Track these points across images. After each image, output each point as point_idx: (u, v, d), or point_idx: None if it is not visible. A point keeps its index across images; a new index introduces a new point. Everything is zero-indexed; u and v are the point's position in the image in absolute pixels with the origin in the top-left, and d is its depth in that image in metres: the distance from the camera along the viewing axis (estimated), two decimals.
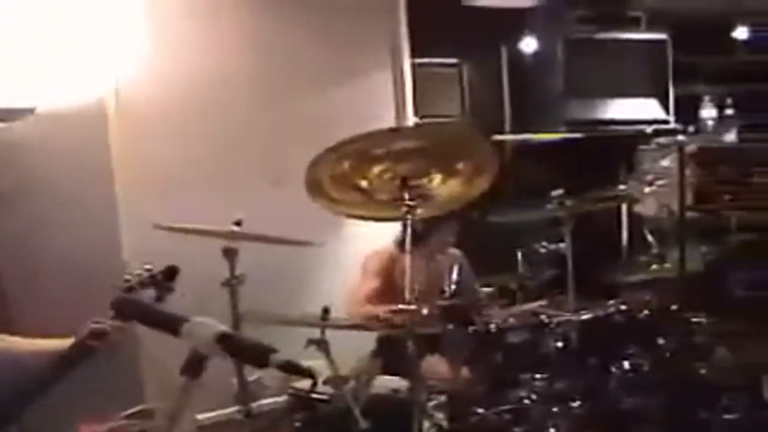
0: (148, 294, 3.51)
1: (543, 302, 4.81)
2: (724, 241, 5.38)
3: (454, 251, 4.93)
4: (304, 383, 4.13)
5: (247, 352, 2.05)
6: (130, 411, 4.68)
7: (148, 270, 3.56)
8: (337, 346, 3.88)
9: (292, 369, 2.05)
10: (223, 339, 2.02)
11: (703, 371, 4.72)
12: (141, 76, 5.03)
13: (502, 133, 6.74)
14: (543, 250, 5.46)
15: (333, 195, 3.75)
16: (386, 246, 4.77)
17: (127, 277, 3.53)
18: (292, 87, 5.52)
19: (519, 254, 5.62)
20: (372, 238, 5.02)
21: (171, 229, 4.11)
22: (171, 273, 3.59)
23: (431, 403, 4.21)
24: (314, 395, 4.04)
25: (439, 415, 4.24)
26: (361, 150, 3.61)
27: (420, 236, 4.63)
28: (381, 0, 5.92)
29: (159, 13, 5.10)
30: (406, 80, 6.01)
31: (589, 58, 6.56)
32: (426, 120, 6.07)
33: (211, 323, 2.06)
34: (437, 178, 3.74)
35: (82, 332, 3.37)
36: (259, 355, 2.02)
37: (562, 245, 4.76)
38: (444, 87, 6.48)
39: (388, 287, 4.71)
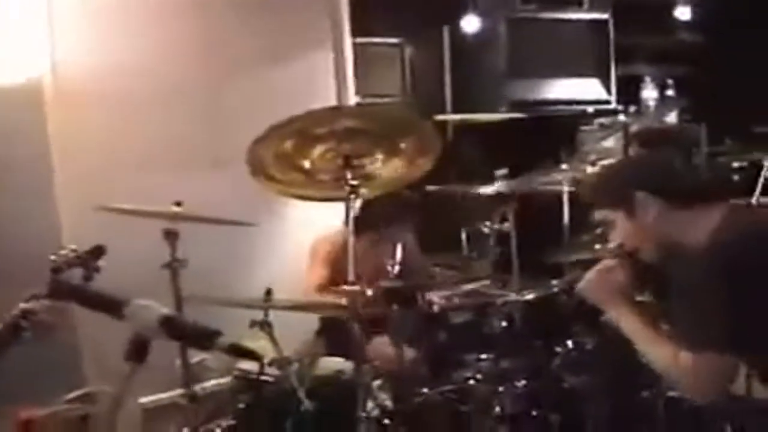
0: (76, 274, 3.45)
1: (487, 282, 4.81)
2: None
3: (402, 231, 4.92)
4: (249, 365, 4.18)
5: (191, 336, 2.02)
6: (71, 395, 4.63)
7: (73, 250, 3.50)
8: (282, 327, 3.86)
9: (238, 351, 2.02)
10: (166, 322, 1.98)
11: None
12: (79, 58, 4.92)
13: (444, 112, 6.73)
14: (487, 230, 5.46)
15: (275, 175, 3.73)
16: (335, 230, 4.73)
17: (53, 257, 3.46)
18: (232, 68, 5.44)
19: (463, 234, 5.61)
20: (317, 219, 4.99)
21: (111, 209, 4.05)
22: (98, 252, 3.53)
23: (376, 384, 4.22)
24: (259, 377, 4.04)
25: (384, 396, 4.22)
26: (303, 129, 3.59)
27: (370, 217, 4.63)
28: None
29: None
30: (348, 60, 5.95)
31: (531, 37, 6.57)
32: (367, 100, 6.04)
33: (154, 306, 2.02)
34: (380, 158, 3.74)
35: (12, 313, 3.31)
36: (204, 338, 1.99)
37: (506, 225, 4.76)
38: (385, 66, 6.46)
39: (340, 274, 4.68)
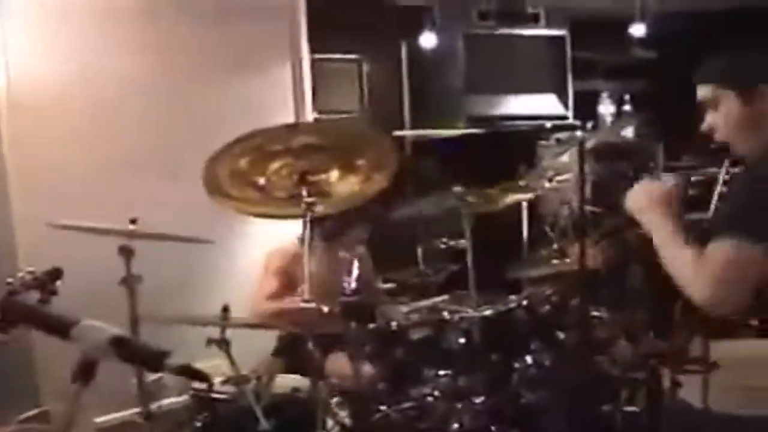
0: (32, 296, 3.42)
1: (445, 297, 4.81)
2: (623, 236, 5.41)
3: (357, 247, 4.91)
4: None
5: (140, 356, 1.99)
6: (26, 414, 4.58)
7: (30, 272, 3.46)
8: (241, 345, 3.84)
9: (188, 372, 1.99)
10: (116, 343, 1.95)
11: (604, 364, 4.75)
12: (34, 71, 4.90)
13: (402, 128, 6.74)
14: (443, 246, 5.46)
15: (231, 192, 3.70)
16: (289, 243, 4.72)
17: (9, 280, 3.44)
18: (190, 83, 5.44)
19: (419, 250, 5.61)
20: (273, 235, 4.97)
21: (66, 227, 4.02)
22: (55, 274, 3.51)
23: (335, 401, 4.20)
24: (216, 395, 4.01)
25: (343, 413, 4.22)
26: (259, 146, 3.56)
27: (328, 233, 4.62)
28: None
29: (55, 8, 4.98)
30: (306, 75, 5.95)
31: (488, 54, 6.60)
32: (326, 115, 6.04)
33: (103, 326, 1.99)
34: (336, 174, 3.72)
35: None
36: (154, 359, 1.96)
37: (462, 241, 4.75)
38: (343, 82, 6.46)
39: (290, 286, 4.66)
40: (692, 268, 2.52)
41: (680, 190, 2.83)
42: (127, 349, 1.96)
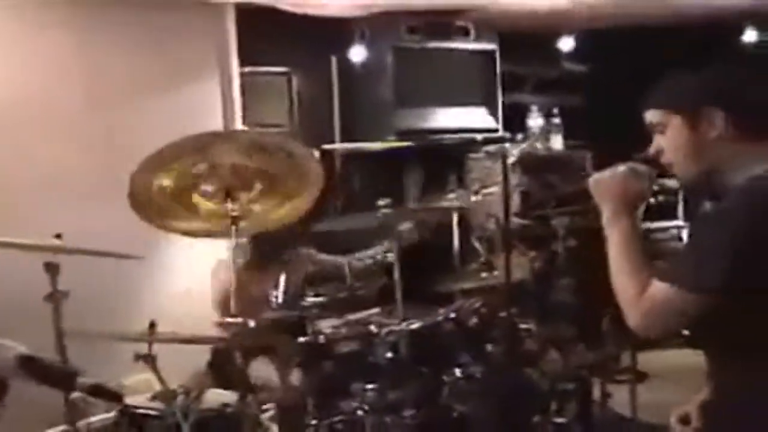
0: None
1: (376, 311, 4.81)
2: (551, 248, 5.46)
3: (287, 260, 4.90)
4: (133, 399, 4.08)
5: (51, 376, 1.97)
6: None
7: None
8: (178, 360, 3.84)
9: (100, 392, 1.97)
10: (24, 362, 1.93)
11: (533, 376, 4.77)
12: None
13: (332, 142, 6.73)
14: (370, 260, 5.46)
15: (155, 208, 3.67)
16: (222, 264, 4.70)
17: None
18: (116, 99, 5.40)
19: (346, 265, 5.60)
20: (203, 252, 4.95)
21: None
22: None
23: (266, 415, 4.18)
24: (144, 411, 3.97)
25: (274, 428, 4.21)
26: (183, 162, 3.54)
27: (261, 247, 4.61)
28: (209, 8, 5.81)
29: None
30: (235, 89, 5.93)
31: (418, 67, 6.60)
32: (255, 129, 6.00)
33: (12, 346, 1.96)
34: (262, 191, 3.71)
35: None
36: (64, 379, 1.94)
37: (389, 255, 4.75)
38: (273, 96, 6.42)
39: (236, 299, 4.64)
40: (631, 295, 2.55)
41: (649, 183, 2.75)
42: (35, 369, 1.93)
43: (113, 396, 2.04)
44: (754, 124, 2.63)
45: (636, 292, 2.54)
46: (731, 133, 2.60)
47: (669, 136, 2.69)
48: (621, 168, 2.74)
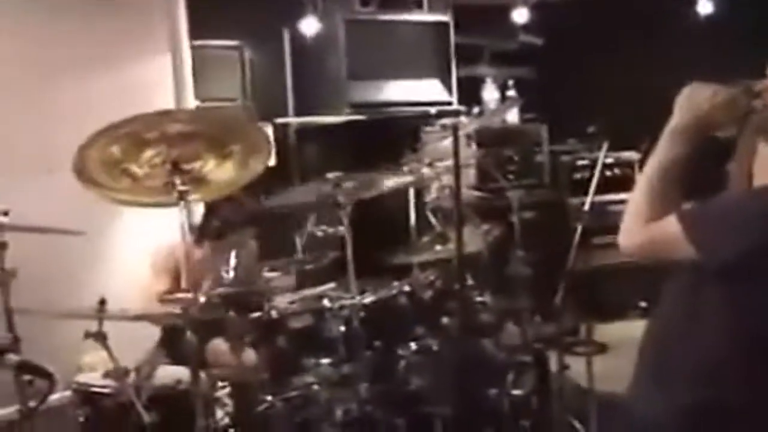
0: None
1: (332, 285, 4.78)
2: (506, 221, 5.45)
3: (244, 237, 4.86)
4: (87, 377, 4.15)
5: None
6: None
7: None
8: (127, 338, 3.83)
9: (29, 369, 1.92)
10: None
11: (490, 349, 4.76)
12: None
13: (285, 115, 6.70)
14: (320, 234, 5.43)
15: (102, 181, 3.63)
16: (174, 239, 4.65)
17: None
18: (67, 72, 5.29)
19: (297, 238, 5.57)
20: (154, 226, 4.89)
21: None
22: None
23: (222, 392, 4.16)
24: (97, 389, 4.00)
25: (229, 404, 4.27)
26: (131, 134, 3.50)
27: (212, 224, 4.58)
28: None
29: None
30: (186, 63, 5.85)
31: (371, 39, 6.57)
32: (207, 103, 5.96)
33: None
34: (210, 162, 3.67)
35: None
36: None
37: (340, 228, 4.71)
38: (225, 69, 6.38)
39: (180, 282, 4.59)
40: (644, 218, 2.49)
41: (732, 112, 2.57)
42: None
43: (42, 373, 1.99)
44: None
45: (650, 217, 2.49)
46: None
47: None
48: (728, 87, 2.56)
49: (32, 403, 3.88)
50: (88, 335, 3.72)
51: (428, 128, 6.75)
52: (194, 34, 5.93)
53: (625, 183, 6.54)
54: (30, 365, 1.89)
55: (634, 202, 2.55)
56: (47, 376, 1.99)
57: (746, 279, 2.38)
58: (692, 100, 2.55)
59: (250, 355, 4.35)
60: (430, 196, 5.80)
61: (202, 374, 3.84)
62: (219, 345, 4.42)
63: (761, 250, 2.33)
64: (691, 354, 2.47)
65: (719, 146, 2.62)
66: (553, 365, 4.84)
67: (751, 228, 2.37)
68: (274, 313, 4.33)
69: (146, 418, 3.75)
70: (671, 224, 2.43)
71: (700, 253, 2.39)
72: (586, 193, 4.45)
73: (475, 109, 7.14)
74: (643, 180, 2.57)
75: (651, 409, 2.54)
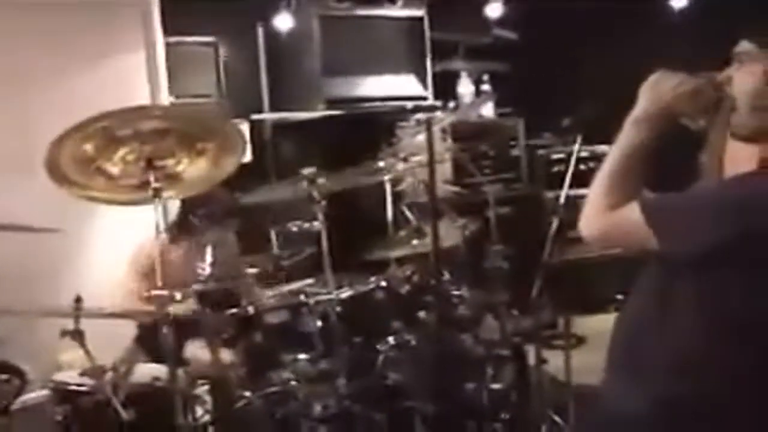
0: None
1: (310, 281, 4.78)
2: (482, 215, 5.45)
3: (223, 234, 4.85)
4: (65, 376, 4.11)
5: None
6: None
7: None
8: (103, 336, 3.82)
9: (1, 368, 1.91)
10: None
11: (468, 343, 4.77)
12: None
13: (261, 111, 6.69)
14: (295, 229, 5.42)
15: (75, 178, 3.60)
16: (152, 237, 4.63)
17: None
18: (42, 72, 5.31)
19: (272, 234, 5.56)
20: (130, 223, 4.87)
21: None
22: None
23: (202, 389, 4.18)
24: (74, 387, 3.98)
25: (208, 401, 4.26)
26: (103, 130, 3.48)
27: (190, 221, 4.56)
28: None
29: None
30: (160, 59, 5.84)
31: (346, 35, 6.57)
32: (182, 100, 5.95)
33: None
34: (183, 159, 3.67)
35: None
36: None
37: (316, 224, 4.70)
38: (200, 66, 6.35)
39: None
40: (605, 204, 2.48)
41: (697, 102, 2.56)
42: None
43: (13, 371, 1.98)
44: None
45: (610, 205, 2.49)
46: None
47: (744, 71, 2.56)
48: (694, 77, 2.56)
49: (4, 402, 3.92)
50: (64, 333, 3.71)
51: (404, 123, 6.76)
52: (168, 30, 5.92)
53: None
54: (1, 364, 1.88)
55: (595, 189, 2.54)
56: (19, 374, 1.97)
57: (712, 269, 2.37)
58: (656, 89, 2.55)
59: (226, 353, 4.36)
60: (406, 190, 5.81)
61: (180, 372, 3.83)
62: (197, 343, 4.41)
63: (722, 241, 2.33)
64: (662, 345, 2.47)
65: (692, 138, 2.62)
66: (532, 359, 4.85)
67: (710, 219, 2.36)
68: (251, 309, 4.33)
69: (124, 415, 3.75)
70: (634, 212, 2.43)
71: (660, 241, 2.39)
72: (562, 187, 4.45)
73: (451, 104, 7.15)
74: (604, 168, 2.56)
75: (624, 401, 2.54)
